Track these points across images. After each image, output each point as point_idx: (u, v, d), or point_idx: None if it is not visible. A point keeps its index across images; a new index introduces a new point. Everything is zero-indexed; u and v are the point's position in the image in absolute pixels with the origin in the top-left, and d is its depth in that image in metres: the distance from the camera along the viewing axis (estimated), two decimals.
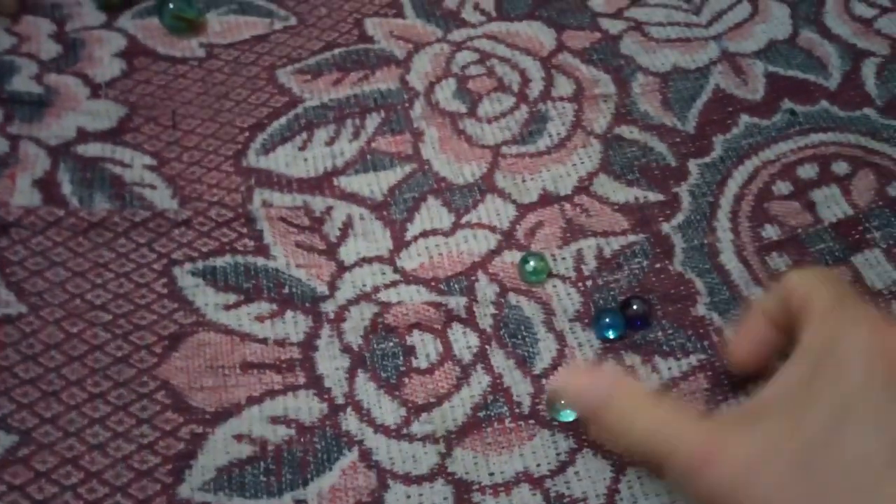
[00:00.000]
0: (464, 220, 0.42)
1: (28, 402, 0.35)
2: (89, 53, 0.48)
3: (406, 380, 0.36)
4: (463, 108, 0.47)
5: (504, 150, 0.45)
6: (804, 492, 0.24)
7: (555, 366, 0.37)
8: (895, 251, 0.41)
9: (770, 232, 0.42)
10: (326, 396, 0.36)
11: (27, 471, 0.33)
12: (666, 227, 0.42)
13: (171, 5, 0.47)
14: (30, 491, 0.33)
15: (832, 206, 0.43)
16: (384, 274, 0.40)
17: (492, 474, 0.34)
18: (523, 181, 0.44)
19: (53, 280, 0.38)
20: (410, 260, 0.40)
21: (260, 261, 0.40)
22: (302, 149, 0.44)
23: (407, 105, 0.46)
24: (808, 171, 0.45)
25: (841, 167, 0.45)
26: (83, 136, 0.44)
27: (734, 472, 0.25)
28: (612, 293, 0.39)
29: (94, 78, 0.47)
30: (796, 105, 0.47)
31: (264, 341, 0.37)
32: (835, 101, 0.47)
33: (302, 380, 0.36)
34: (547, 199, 0.43)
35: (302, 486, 0.33)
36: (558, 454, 0.34)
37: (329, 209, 0.42)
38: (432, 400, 0.36)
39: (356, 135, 0.45)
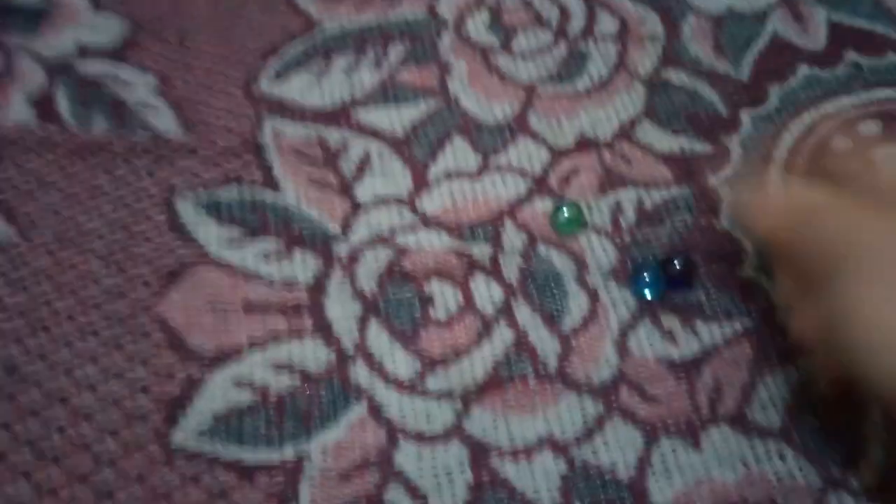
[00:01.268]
0: (492, 162, 0.38)
1: (15, 334, 0.32)
2: None
3: (422, 331, 0.33)
4: (496, 42, 0.43)
5: (539, 89, 0.41)
6: None
7: (585, 324, 0.34)
8: None
9: None
10: (335, 345, 0.33)
11: (11, 406, 0.31)
12: (713, 181, 0.38)
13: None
14: (15, 429, 0.30)
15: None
16: (402, 216, 0.36)
17: (512, 438, 0.31)
18: (559, 124, 0.40)
19: (45, 202, 0.35)
20: (432, 202, 0.37)
21: (268, 195, 0.37)
22: (319, 77, 0.41)
23: (435, 35, 0.43)
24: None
25: None
26: (83, 51, 0.40)
27: None
28: (651, 249, 0.36)
29: None
30: (861, 57, 0.43)
31: (270, 282, 0.34)
32: None
33: (309, 325, 0.33)
34: (584, 144, 0.39)
35: (305, 439, 0.31)
36: (585, 420, 0.32)
37: (346, 143, 0.38)
38: (450, 354, 0.33)
39: (378, 64, 0.41)
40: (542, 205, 0.37)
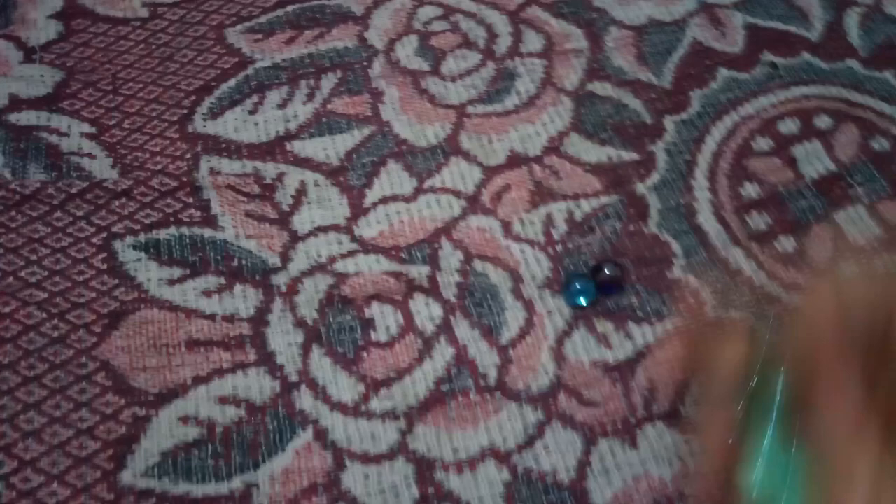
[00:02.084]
0: (426, 184, 0.39)
1: None
2: (22, 15, 0.44)
3: (364, 354, 0.34)
4: (426, 66, 0.44)
5: (469, 109, 0.42)
6: None
7: (522, 335, 0.35)
8: (878, 207, 0.39)
9: (749, 190, 0.40)
10: (279, 374, 0.33)
11: None
12: (641, 188, 0.40)
13: None
14: None
15: (814, 161, 0.41)
16: (341, 243, 0.37)
17: (456, 450, 0.32)
18: (490, 142, 0.41)
19: None
20: (369, 228, 0.38)
21: (207, 232, 0.37)
22: (252, 112, 0.42)
23: (365, 64, 0.44)
24: (789, 126, 0.42)
25: (823, 121, 0.43)
26: (16, 103, 0.41)
27: None
28: (583, 258, 0.37)
29: (27, 41, 0.43)
30: (777, 57, 0.45)
31: (212, 317, 0.35)
32: (817, 53, 0.45)
33: (252, 357, 0.34)
34: (515, 160, 0.40)
35: (253, 468, 0.31)
36: (526, 428, 0.32)
37: (281, 175, 0.39)
38: (392, 375, 0.34)
39: (311, 96, 0.42)
40: (477, 221, 0.38)
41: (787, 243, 0.38)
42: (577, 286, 0.35)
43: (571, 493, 0.31)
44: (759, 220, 0.39)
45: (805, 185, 0.40)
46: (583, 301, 0.35)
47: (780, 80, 0.44)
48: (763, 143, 0.42)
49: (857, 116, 0.43)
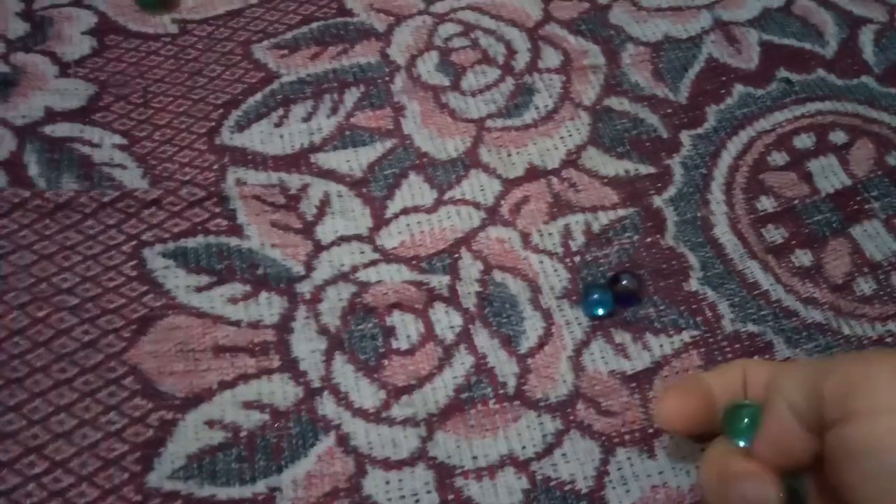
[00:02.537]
0: (446, 196, 0.40)
1: None
2: (58, 31, 0.46)
3: (386, 362, 0.35)
4: (446, 82, 0.45)
5: (489, 123, 0.43)
6: None
7: (541, 345, 0.35)
8: (894, 221, 0.40)
9: (765, 204, 0.40)
10: (302, 380, 0.34)
11: None
12: (657, 201, 0.40)
13: None
14: None
15: (829, 176, 0.41)
16: (363, 253, 0.38)
17: (475, 458, 0.32)
18: (508, 155, 0.42)
19: (19, 263, 0.37)
20: (391, 238, 0.39)
21: (233, 241, 0.38)
22: (278, 125, 0.43)
23: (387, 79, 0.45)
24: (804, 141, 0.43)
25: (838, 136, 0.43)
26: (51, 115, 0.42)
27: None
28: (601, 269, 0.38)
29: (62, 56, 0.45)
30: (792, 74, 0.46)
31: (237, 324, 0.36)
32: (832, 70, 0.46)
33: (276, 363, 0.35)
34: (533, 173, 0.41)
35: (276, 472, 0.32)
36: (545, 436, 0.33)
37: (305, 187, 0.40)
38: (413, 382, 0.34)
39: (334, 110, 0.43)
40: (496, 232, 0.39)
41: (803, 257, 0.39)
42: (596, 297, 0.36)
43: (590, 502, 0.31)
44: (775, 234, 0.39)
45: (821, 200, 0.40)
46: (601, 311, 0.36)
47: (795, 95, 0.45)
48: (779, 158, 0.42)
49: (872, 132, 0.43)
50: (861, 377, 0.21)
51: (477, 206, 0.40)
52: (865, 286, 0.38)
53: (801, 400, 0.22)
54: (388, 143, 0.42)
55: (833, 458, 0.21)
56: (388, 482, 0.32)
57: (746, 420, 0.27)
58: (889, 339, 0.36)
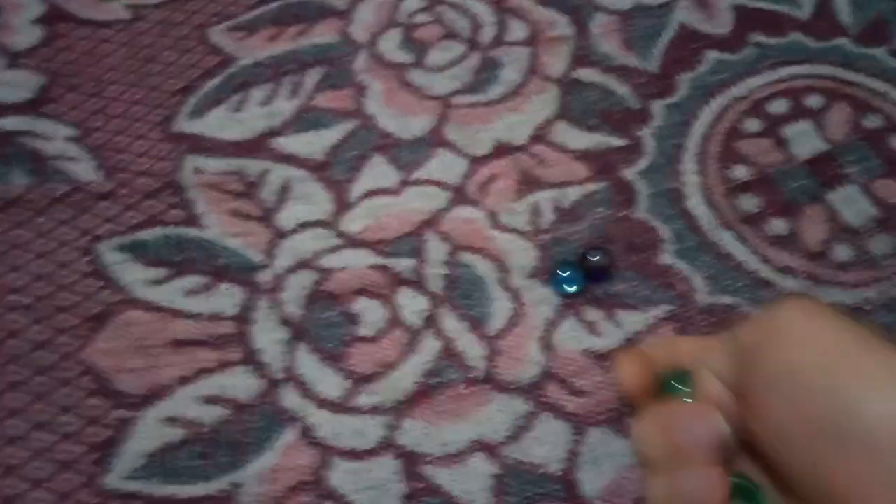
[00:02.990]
0: (412, 177, 0.39)
1: None
2: (5, 21, 0.44)
3: (351, 350, 0.34)
4: (409, 59, 0.44)
5: (455, 100, 0.42)
6: None
7: (510, 326, 0.34)
8: (873, 186, 0.38)
9: (740, 172, 0.39)
10: (264, 372, 0.33)
11: None
12: (629, 174, 0.39)
13: None
14: None
15: (805, 141, 0.40)
16: (326, 238, 0.37)
17: (444, 445, 0.31)
18: (475, 133, 0.41)
19: None
20: (354, 222, 0.38)
21: (191, 232, 0.37)
22: (236, 110, 0.41)
23: (349, 59, 0.43)
24: (779, 107, 0.42)
25: (814, 100, 0.42)
26: None
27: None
28: (572, 246, 0.37)
29: (10, 47, 0.43)
30: (766, 37, 0.44)
31: (196, 317, 0.35)
32: (807, 32, 0.44)
33: (237, 356, 0.34)
34: (501, 150, 0.40)
35: (239, 468, 0.31)
36: (515, 419, 0.32)
37: (265, 173, 0.39)
38: (379, 370, 0.33)
39: (294, 93, 0.42)
40: (463, 212, 0.38)
41: (779, 226, 0.37)
42: (565, 274, 0.35)
43: (562, 484, 0.30)
44: (749, 203, 0.38)
45: (797, 166, 0.39)
46: (571, 289, 0.35)
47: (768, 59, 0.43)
48: (753, 125, 0.41)
49: (849, 95, 0.42)
50: (768, 318, 0.21)
51: (443, 185, 0.39)
52: (843, 253, 0.37)
53: (723, 367, 0.22)
54: (351, 125, 0.41)
55: (757, 404, 0.21)
56: (354, 472, 0.31)
57: (682, 379, 0.26)
58: (868, 308, 0.35)
